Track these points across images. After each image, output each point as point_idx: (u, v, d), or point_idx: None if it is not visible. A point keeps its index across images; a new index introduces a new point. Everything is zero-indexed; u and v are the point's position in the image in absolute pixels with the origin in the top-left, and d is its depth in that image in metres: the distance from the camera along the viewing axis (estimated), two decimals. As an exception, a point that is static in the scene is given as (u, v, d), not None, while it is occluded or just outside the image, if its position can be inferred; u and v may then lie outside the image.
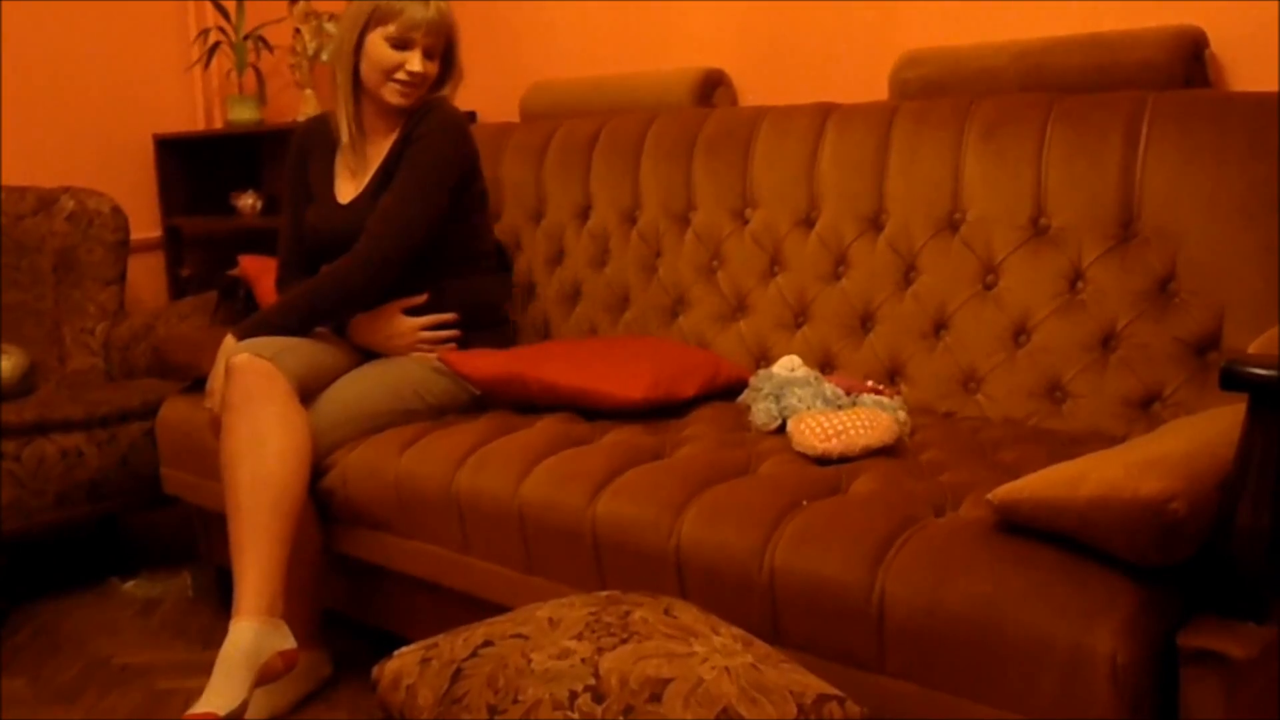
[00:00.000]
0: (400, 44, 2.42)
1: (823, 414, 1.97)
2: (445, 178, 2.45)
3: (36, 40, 3.67)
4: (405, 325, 2.47)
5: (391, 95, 2.45)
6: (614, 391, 2.22)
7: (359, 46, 2.45)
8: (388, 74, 2.43)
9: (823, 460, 1.90)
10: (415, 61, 2.42)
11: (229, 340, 2.33)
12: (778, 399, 2.13)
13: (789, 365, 2.23)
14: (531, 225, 2.98)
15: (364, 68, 2.46)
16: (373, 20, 2.42)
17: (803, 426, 1.95)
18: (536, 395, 2.30)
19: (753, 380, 2.25)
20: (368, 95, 2.49)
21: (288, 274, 2.61)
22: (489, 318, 2.59)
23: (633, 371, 2.27)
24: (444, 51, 2.50)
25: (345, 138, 2.50)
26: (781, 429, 2.08)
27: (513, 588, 1.99)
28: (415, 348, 2.46)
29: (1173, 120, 2.05)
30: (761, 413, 2.13)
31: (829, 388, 2.12)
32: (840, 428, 1.92)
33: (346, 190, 2.53)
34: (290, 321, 2.36)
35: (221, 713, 1.90)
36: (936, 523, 1.61)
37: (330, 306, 2.42)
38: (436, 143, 2.44)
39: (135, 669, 2.55)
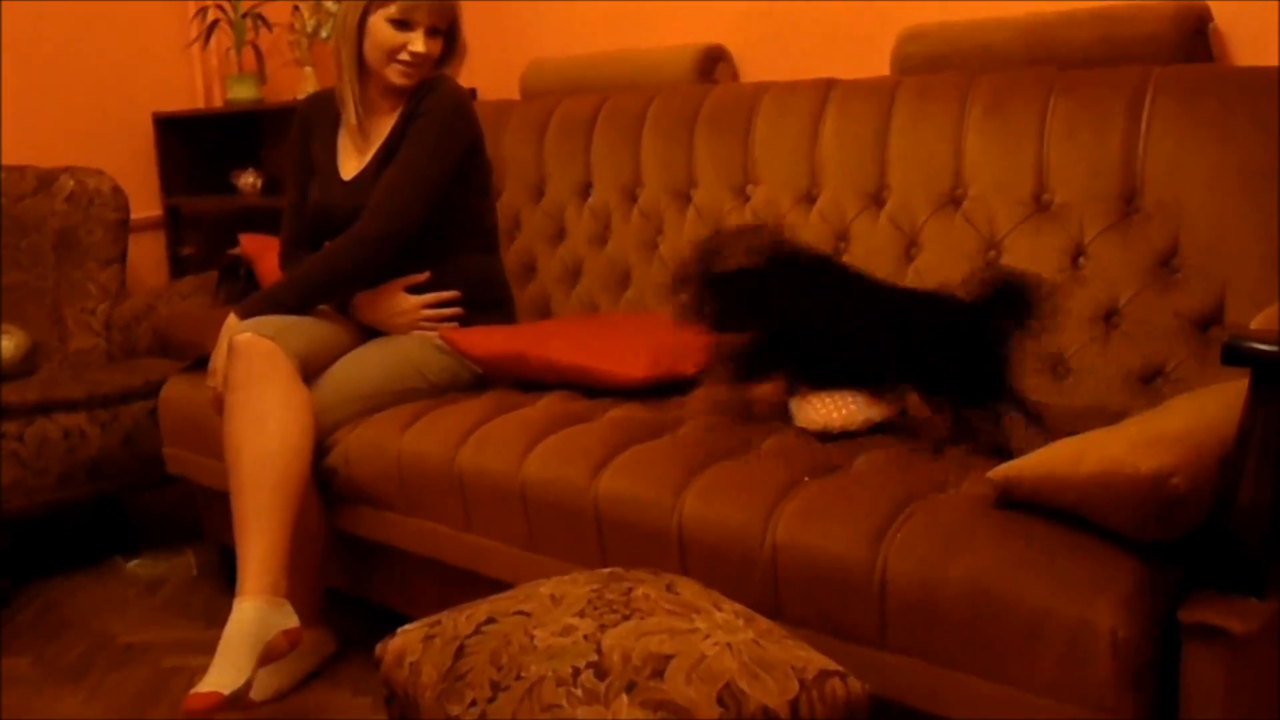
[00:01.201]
0: (403, 24, 2.41)
1: (825, 391, 1.97)
2: (448, 154, 2.44)
3: (35, 19, 3.65)
4: (407, 303, 2.46)
5: (395, 75, 2.44)
6: (615, 370, 2.22)
7: (362, 27, 2.44)
8: (391, 54, 2.42)
9: (825, 435, 1.90)
10: (418, 42, 2.41)
11: (231, 319, 2.32)
12: None
13: None
14: (532, 203, 2.97)
15: (367, 48, 2.45)
16: (375, 1, 2.41)
17: (804, 403, 1.95)
18: (537, 373, 2.30)
19: None
20: (371, 74, 2.49)
21: (292, 251, 2.61)
22: (491, 296, 2.58)
23: (634, 349, 2.27)
24: (447, 30, 2.49)
25: (353, 119, 2.50)
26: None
27: (515, 565, 2.00)
28: (417, 326, 2.46)
29: (1175, 95, 2.04)
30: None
31: None
32: (841, 401, 1.92)
33: (350, 166, 2.53)
34: (293, 299, 2.36)
35: (226, 691, 1.91)
36: (938, 499, 1.61)
37: (333, 282, 2.41)
38: (440, 119, 2.43)
39: (139, 648, 2.56)
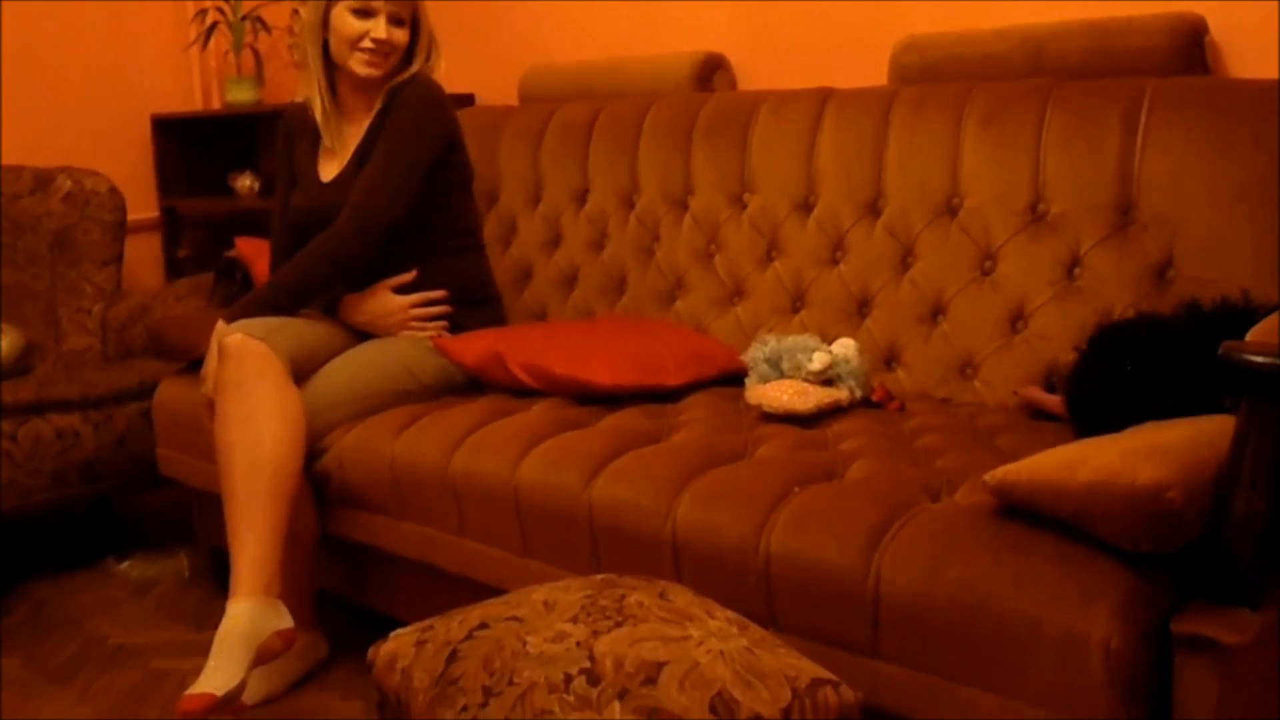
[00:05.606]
0: (363, 13, 2.43)
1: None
2: (425, 147, 2.44)
3: (34, 20, 3.65)
4: (395, 304, 2.46)
5: (359, 65, 2.45)
6: (602, 380, 2.22)
7: (326, 22, 2.45)
8: (353, 44, 2.43)
9: (772, 415, 2.07)
10: (380, 29, 2.42)
11: (220, 324, 2.32)
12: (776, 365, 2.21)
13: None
14: (529, 208, 2.98)
15: (332, 41, 2.46)
16: None
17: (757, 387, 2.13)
18: (528, 383, 2.29)
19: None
20: (341, 71, 2.50)
21: (280, 258, 2.60)
22: (479, 293, 2.58)
23: (622, 357, 2.27)
24: (411, 19, 2.50)
25: (319, 115, 2.50)
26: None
27: (508, 570, 1.99)
28: (406, 326, 2.46)
29: (1172, 107, 2.05)
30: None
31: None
32: (791, 385, 2.09)
33: (329, 169, 2.53)
34: (280, 299, 2.36)
35: (219, 693, 1.90)
36: (932, 508, 1.61)
37: (317, 280, 2.41)
38: (415, 113, 2.44)
39: (131, 649, 2.56)
